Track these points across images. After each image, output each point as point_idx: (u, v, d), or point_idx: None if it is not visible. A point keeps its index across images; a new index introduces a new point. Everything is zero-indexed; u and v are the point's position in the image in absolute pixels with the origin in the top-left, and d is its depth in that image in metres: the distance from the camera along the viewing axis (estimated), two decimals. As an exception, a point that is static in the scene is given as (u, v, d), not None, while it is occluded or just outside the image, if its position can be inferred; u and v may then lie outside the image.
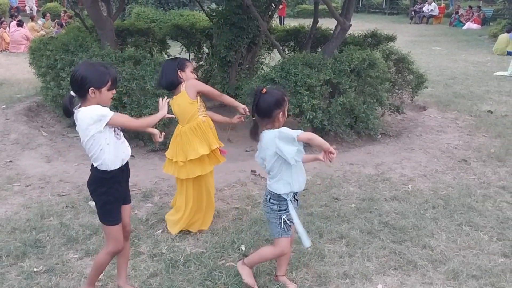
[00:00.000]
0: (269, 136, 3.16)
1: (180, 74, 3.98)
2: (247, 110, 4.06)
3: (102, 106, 2.94)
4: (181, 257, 3.82)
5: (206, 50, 9.95)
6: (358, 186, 5.36)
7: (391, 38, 8.78)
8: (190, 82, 3.99)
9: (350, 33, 9.07)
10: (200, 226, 4.27)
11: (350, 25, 6.83)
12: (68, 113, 2.99)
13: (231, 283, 3.48)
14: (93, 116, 2.87)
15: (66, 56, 6.79)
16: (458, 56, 15.37)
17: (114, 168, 3.03)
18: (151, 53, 9.19)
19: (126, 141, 3.15)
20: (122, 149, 3.07)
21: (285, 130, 3.12)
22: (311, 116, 6.27)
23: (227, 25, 7.90)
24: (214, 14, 8.52)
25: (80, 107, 2.95)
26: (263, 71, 7.24)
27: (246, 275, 3.42)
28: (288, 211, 3.25)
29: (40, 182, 5.31)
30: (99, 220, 3.20)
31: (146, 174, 5.58)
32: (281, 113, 3.15)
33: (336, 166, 5.95)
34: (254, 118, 3.27)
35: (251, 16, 7.48)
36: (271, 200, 3.28)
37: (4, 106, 8.43)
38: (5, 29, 16.92)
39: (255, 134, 3.30)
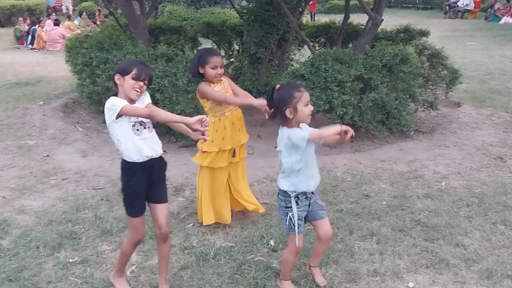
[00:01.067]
0: (281, 134, 3.16)
1: (199, 69, 3.97)
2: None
3: (128, 97, 3.00)
4: (211, 250, 3.86)
5: (236, 47, 10.00)
6: (390, 183, 5.30)
7: (424, 33, 8.66)
8: (200, 86, 4.01)
9: (382, 28, 8.98)
10: (218, 219, 4.29)
11: (382, 20, 6.76)
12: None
13: (260, 278, 3.50)
14: (108, 106, 2.97)
15: (101, 54, 6.91)
16: (494, 51, 15.00)
17: (132, 160, 3.06)
18: (182, 50, 9.29)
19: (154, 139, 3.13)
20: (144, 145, 3.06)
21: (293, 135, 3.06)
22: (341, 112, 6.23)
23: (257, 22, 7.91)
24: (245, 11, 8.54)
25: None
26: (292, 67, 7.21)
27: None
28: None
29: (75, 176, 5.42)
30: None
31: (178, 169, 5.65)
32: (289, 110, 3.06)
33: (367, 162, 5.91)
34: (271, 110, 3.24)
35: (281, 12, 7.48)
36: (279, 196, 3.28)
37: (42, 102, 8.64)
38: (42, 28, 17.33)
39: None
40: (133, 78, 2.97)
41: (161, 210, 3.23)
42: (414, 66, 6.59)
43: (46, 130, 7.07)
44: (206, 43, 10.37)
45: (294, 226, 3.21)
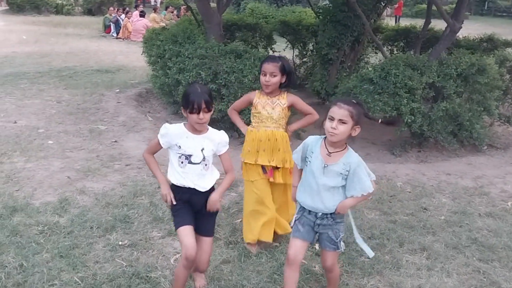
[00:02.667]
0: None
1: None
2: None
3: (194, 127, 3.02)
4: (255, 248, 3.87)
5: (311, 47, 9.95)
6: (452, 198, 5.08)
7: (509, 44, 8.23)
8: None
9: (465, 36, 8.65)
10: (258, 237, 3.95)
11: (460, 27, 6.48)
12: None
13: (299, 280, 3.45)
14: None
15: (174, 46, 7.10)
16: None
17: (173, 183, 3.10)
18: (257, 47, 9.37)
19: (204, 175, 3.08)
20: (187, 177, 3.06)
21: None
22: (409, 120, 6.05)
23: (332, 22, 7.85)
24: (321, 11, 8.47)
25: None
26: (363, 71, 7.07)
27: None
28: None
29: (138, 163, 5.61)
30: None
31: (235, 164, 5.65)
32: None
33: (431, 174, 5.71)
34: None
35: (357, 13, 7.35)
36: None
37: (118, 90, 9.02)
38: (129, 19, 18.07)
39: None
40: (191, 113, 2.97)
41: (204, 244, 3.20)
42: (492, 77, 6.28)
43: (118, 117, 7.37)
44: (281, 42, 10.41)
45: (296, 230, 3.09)
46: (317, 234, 3.09)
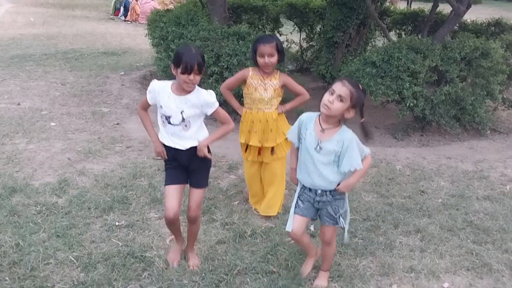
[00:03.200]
0: None
1: (255, 57, 3.84)
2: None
3: (182, 86, 3.06)
4: (250, 228, 3.91)
5: (318, 30, 9.88)
6: (451, 181, 5.09)
7: (517, 28, 8.11)
8: None
9: (474, 20, 8.55)
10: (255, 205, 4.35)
11: (465, 10, 6.40)
12: None
13: (292, 260, 3.51)
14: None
15: (177, 29, 7.09)
16: None
17: (162, 141, 3.22)
18: (264, 30, 9.32)
19: (183, 136, 3.15)
20: (167, 136, 3.17)
21: None
22: (411, 104, 6.03)
23: (338, 5, 7.78)
24: (328, -7, 8.40)
25: None
26: (366, 54, 7.03)
27: None
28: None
29: (140, 145, 5.66)
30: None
31: (237, 147, 5.65)
32: None
33: (431, 158, 5.70)
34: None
35: (362, -4, 7.29)
36: None
37: (123, 73, 9.06)
38: (137, 1, 18.03)
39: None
40: (182, 73, 2.99)
41: (192, 194, 3.32)
42: (496, 61, 6.22)
43: (122, 99, 7.42)
44: (288, 25, 10.34)
45: (296, 206, 3.18)
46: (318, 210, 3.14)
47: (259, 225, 4.03)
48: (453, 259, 3.65)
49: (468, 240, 3.92)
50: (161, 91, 3.11)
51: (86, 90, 7.79)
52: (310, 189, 3.08)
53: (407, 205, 4.47)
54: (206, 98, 3.13)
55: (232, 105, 4.09)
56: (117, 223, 3.92)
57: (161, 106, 3.11)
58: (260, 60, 3.75)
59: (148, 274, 3.30)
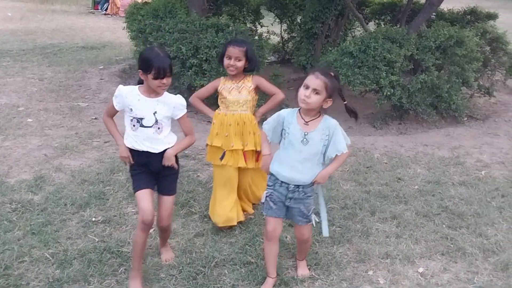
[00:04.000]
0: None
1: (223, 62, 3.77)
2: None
3: (156, 91, 3.03)
4: (228, 221, 3.92)
5: (299, 21, 9.88)
6: (427, 168, 5.15)
7: (492, 16, 8.20)
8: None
9: (450, 9, 8.63)
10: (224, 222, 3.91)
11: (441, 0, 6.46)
12: None
13: (269, 251, 3.53)
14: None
15: (154, 21, 7.04)
16: None
17: (127, 146, 3.16)
18: (244, 22, 9.30)
19: (156, 139, 3.10)
20: (139, 140, 3.10)
21: None
22: (389, 93, 6.08)
23: (316, -4, 7.80)
24: (307, -16, 8.41)
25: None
26: (343, 44, 7.04)
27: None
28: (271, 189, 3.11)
29: (118, 139, 5.62)
30: None
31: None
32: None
33: (409, 146, 5.76)
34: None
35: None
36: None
37: (102, 66, 8.99)
38: (117, -6, 17.88)
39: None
40: (154, 78, 2.95)
41: (163, 202, 3.25)
42: (470, 49, 6.29)
43: (100, 93, 7.37)
44: (269, 16, 10.33)
45: (269, 206, 3.11)
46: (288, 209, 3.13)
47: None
48: (428, 244, 3.70)
49: (443, 225, 3.98)
50: (128, 95, 3.05)
51: (64, 85, 7.71)
52: (281, 184, 3.06)
53: (384, 193, 4.52)
54: (177, 100, 3.12)
55: (203, 112, 3.97)
56: (93, 219, 3.91)
57: (131, 109, 3.04)
58: (226, 61, 3.67)
59: (125, 269, 3.29)
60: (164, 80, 2.97)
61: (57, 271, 3.23)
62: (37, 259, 3.34)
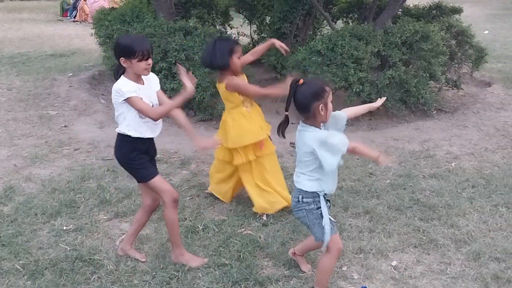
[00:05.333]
0: (308, 136, 2.83)
1: (231, 60, 3.82)
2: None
3: (140, 74, 3.09)
4: (201, 223, 3.92)
5: (268, 22, 9.91)
6: (398, 162, 5.21)
7: (457, 10, 8.31)
8: (233, 82, 3.85)
9: (416, 5, 8.74)
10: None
11: (403, -5, 6.55)
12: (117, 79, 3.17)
13: (244, 251, 3.52)
14: (116, 89, 3.04)
15: (122, 26, 7.01)
16: (543, 30, 14.30)
17: (135, 136, 3.16)
18: (214, 25, 9.28)
19: (152, 124, 3.18)
20: (146, 127, 3.17)
21: (332, 139, 2.76)
22: (358, 89, 6.14)
23: (283, -4, 7.83)
24: (272, -16, 8.44)
25: (123, 74, 3.12)
26: (311, 43, 7.09)
27: None
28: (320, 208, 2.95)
29: (88, 146, 5.58)
30: (136, 183, 3.45)
31: (189, 142, 5.67)
32: (321, 106, 2.78)
33: (379, 141, 5.83)
34: (286, 113, 2.91)
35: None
36: (304, 199, 2.93)
37: (71, 74, 8.89)
38: (85, 1, 17.68)
39: (283, 132, 2.96)
40: (140, 60, 3.00)
41: None
42: (436, 44, 6.39)
43: (69, 101, 7.28)
44: (238, 18, 10.33)
45: (325, 226, 2.91)
46: None
47: (212, 218, 4.04)
48: (400, 237, 3.75)
49: (415, 218, 4.03)
50: (130, 88, 3.03)
51: (33, 94, 7.61)
52: (326, 201, 2.98)
53: (357, 188, 4.57)
54: (152, 75, 3.25)
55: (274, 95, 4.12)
56: (65, 228, 3.87)
57: (141, 99, 3.06)
58: (236, 60, 3.82)
59: (97, 277, 3.26)
60: (149, 61, 3.05)
61: (28, 282, 3.19)
62: (8, 271, 3.29)
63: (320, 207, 2.92)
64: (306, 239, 3.40)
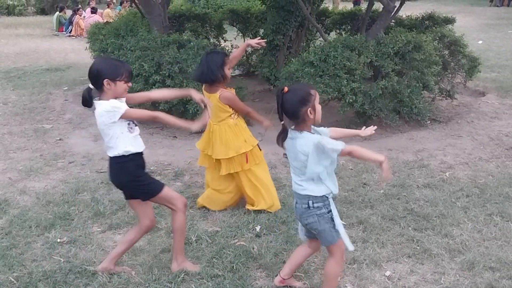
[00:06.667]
0: (301, 143, 2.85)
1: (224, 72, 3.94)
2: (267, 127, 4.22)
3: (118, 98, 3.10)
4: (194, 234, 3.91)
5: (261, 35, 9.97)
6: (392, 172, 5.21)
7: (449, 21, 8.40)
8: (226, 95, 3.99)
9: (409, 15, 8.81)
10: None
11: (395, 6, 6.61)
12: (87, 104, 3.18)
13: (237, 262, 3.52)
14: (108, 108, 3.03)
15: (116, 40, 7.06)
16: (536, 40, 14.39)
17: (132, 152, 3.18)
18: (208, 38, 9.34)
19: (139, 137, 3.26)
20: (136, 141, 3.22)
21: (326, 140, 2.85)
22: (351, 100, 6.16)
23: (275, 9, 7.90)
24: (266, -3, 8.51)
25: (99, 99, 3.11)
26: (303, 54, 7.14)
27: None
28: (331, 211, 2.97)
29: (83, 159, 5.59)
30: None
31: (182, 154, 5.74)
32: (309, 110, 2.82)
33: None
34: (282, 123, 2.89)
35: (298, -1, 7.41)
36: (315, 204, 2.92)
37: (66, 88, 8.93)
38: (80, 15, 17.78)
39: (283, 141, 2.94)
40: (125, 82, 3.09)
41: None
42: (428, 53, 6.44)
43: (64, 114, 7.31)
44: (232, 31, 10.40)
45: (339, 228, 2.94)
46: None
47: (205, 229, 4.04)
48: (394, 247, 3.75)
49: (409, 228, 4.03)
50: (121, 103, 3.10)
51: (29, 108, 7.64)
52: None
53: (350, 198, 4.57)
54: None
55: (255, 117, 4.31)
56: (59, 240, 3.87)
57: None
58: (227, 71, 3.98)
59: (90, 288, 3.26)
60: (130, 83, 3.14)
61: (21, 294, 3.18)
62: (1, 284, 3.29)
63: (330, 210, 2.95)
64: (289, 259, 3.33)
